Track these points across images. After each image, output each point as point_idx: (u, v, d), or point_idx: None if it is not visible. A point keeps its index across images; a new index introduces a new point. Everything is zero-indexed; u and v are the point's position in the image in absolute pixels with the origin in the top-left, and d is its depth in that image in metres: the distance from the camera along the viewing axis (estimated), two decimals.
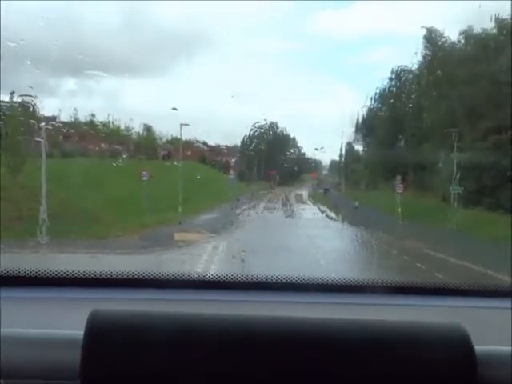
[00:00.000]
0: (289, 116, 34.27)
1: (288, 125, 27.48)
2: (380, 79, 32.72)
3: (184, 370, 1.06)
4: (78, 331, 1.09)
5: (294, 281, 1.74)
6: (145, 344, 1.06)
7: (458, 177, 18.01)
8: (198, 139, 22.69)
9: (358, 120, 28.30)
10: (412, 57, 27.77)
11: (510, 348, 1.15)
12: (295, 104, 33.76)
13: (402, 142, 27.40)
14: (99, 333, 1.07)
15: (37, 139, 13.52)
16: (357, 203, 22.92)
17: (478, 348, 1.09)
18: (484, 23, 22.21)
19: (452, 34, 25.66)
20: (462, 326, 1.11)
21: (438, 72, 23.49)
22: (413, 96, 26.63)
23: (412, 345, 1.09)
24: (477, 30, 23.00)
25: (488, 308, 1.66)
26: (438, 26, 25.39)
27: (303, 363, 1.06)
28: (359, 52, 42.70)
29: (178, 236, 13.55)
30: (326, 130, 35.71)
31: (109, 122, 23.75)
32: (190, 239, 13.12)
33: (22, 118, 14.35)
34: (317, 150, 27.83)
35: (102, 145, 22.94)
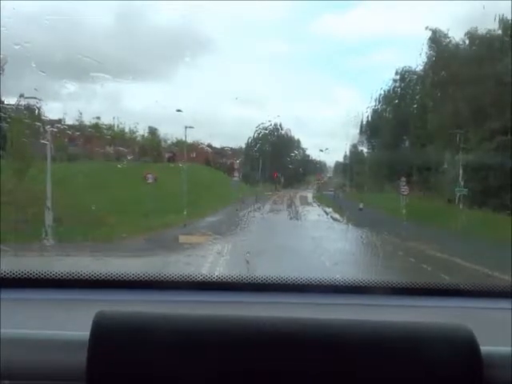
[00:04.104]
0: (293, 118, 34.24)
1: (292, 126, 27.43)
2: (384, 80, 32.61)
3: (189, 371, 1.07)
4: (84, 332, 1.09)
5: (298, 282, 1.74)
6: (150, 345, 1.07)
7: (463, 178, 17.97)
8: (202, 141, 22.68)
9: (362, 121, 28.21)
10: (416, 58, 27.78)
11: None
12: (299, 105, 33.72)
13: (407, 143, 27.36)
14: (105, 334, 1.08)
15: (42, 142, 13.54)
16: (361, 205, 22.87)
17: (484, 349, 1.09)
18: (489, 24, 22.18)
19: (456, 34, 25.54)
20: (468, 328, 1.11)
21: (443, 73, 23.44)
22: (417, 97, 26.58)
23: (419, 346, 1.09)
24: (481, 30, 22.97)
25: (491, 309, 1.66)
26: (443, 26, 25.36)
27: (309, 364, 1.06)
28: (363, 53, 42.64)
29: (182, 238, 13.53)
30: (330, 131, 35.63)
31: (114, 124, 23.80)
32: (194, 241, 13.09)
33: (27, 121, 14.37)
34: (321, 151, 27.90)
35: (107, 147, 22.98)
